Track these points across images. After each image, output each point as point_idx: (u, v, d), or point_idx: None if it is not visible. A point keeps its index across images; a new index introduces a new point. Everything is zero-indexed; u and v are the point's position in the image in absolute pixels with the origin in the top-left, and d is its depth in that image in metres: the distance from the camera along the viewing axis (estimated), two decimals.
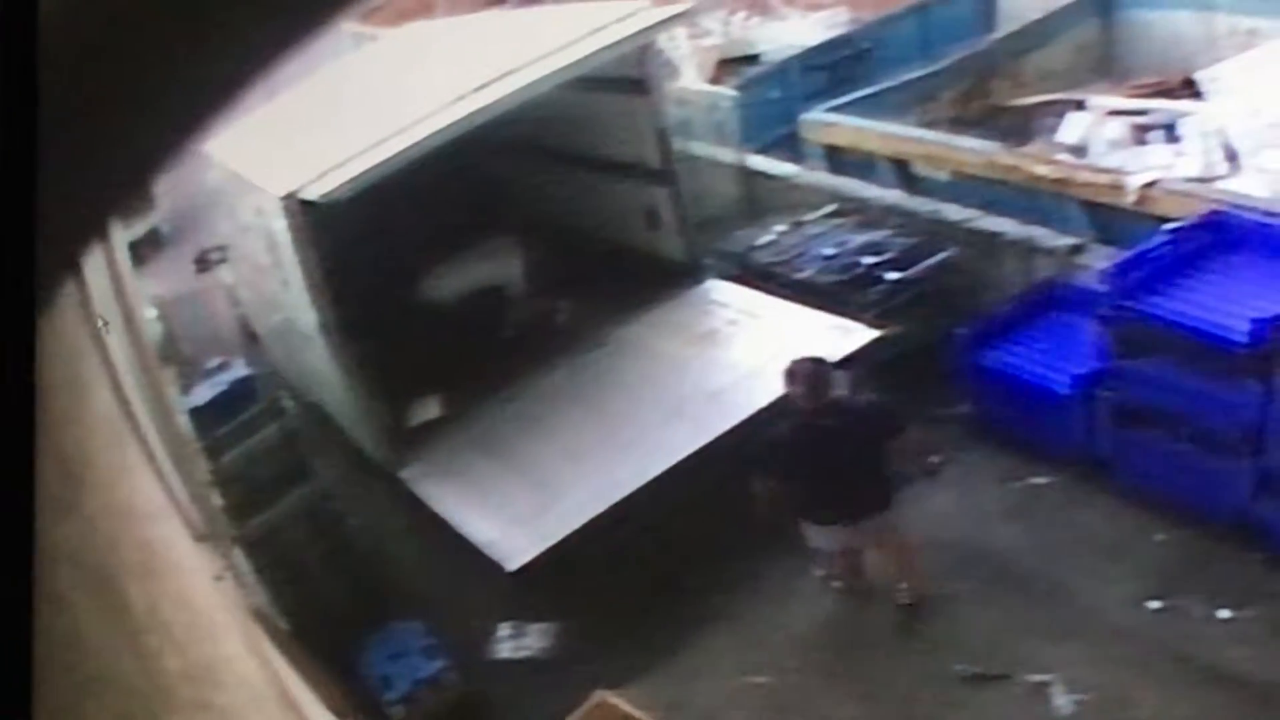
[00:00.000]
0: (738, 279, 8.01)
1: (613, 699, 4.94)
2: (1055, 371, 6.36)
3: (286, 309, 7.73)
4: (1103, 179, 7.26)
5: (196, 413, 6.10)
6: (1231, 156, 7.60)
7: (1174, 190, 6.84)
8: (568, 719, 4.96)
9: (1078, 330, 6.42)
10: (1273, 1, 9.07)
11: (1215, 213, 6.16)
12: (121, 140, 0.81)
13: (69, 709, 1.20)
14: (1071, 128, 8.72)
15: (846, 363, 6.42)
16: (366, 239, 8.23)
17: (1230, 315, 5.41)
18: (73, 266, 1.30)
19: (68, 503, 1.27)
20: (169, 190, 12.15)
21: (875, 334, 6.81)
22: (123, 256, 4.82)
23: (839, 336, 6.78)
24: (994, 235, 7.42)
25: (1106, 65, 10.30)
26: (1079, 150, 8.37)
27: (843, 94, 9.57)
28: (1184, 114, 8.19)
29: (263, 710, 2.13)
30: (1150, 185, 6.91)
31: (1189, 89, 8.72)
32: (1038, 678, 5.27)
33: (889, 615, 5.92)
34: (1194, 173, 7.49)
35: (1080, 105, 8.96)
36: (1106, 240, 6.94)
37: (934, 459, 6.45)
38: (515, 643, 6.42)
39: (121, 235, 6.17)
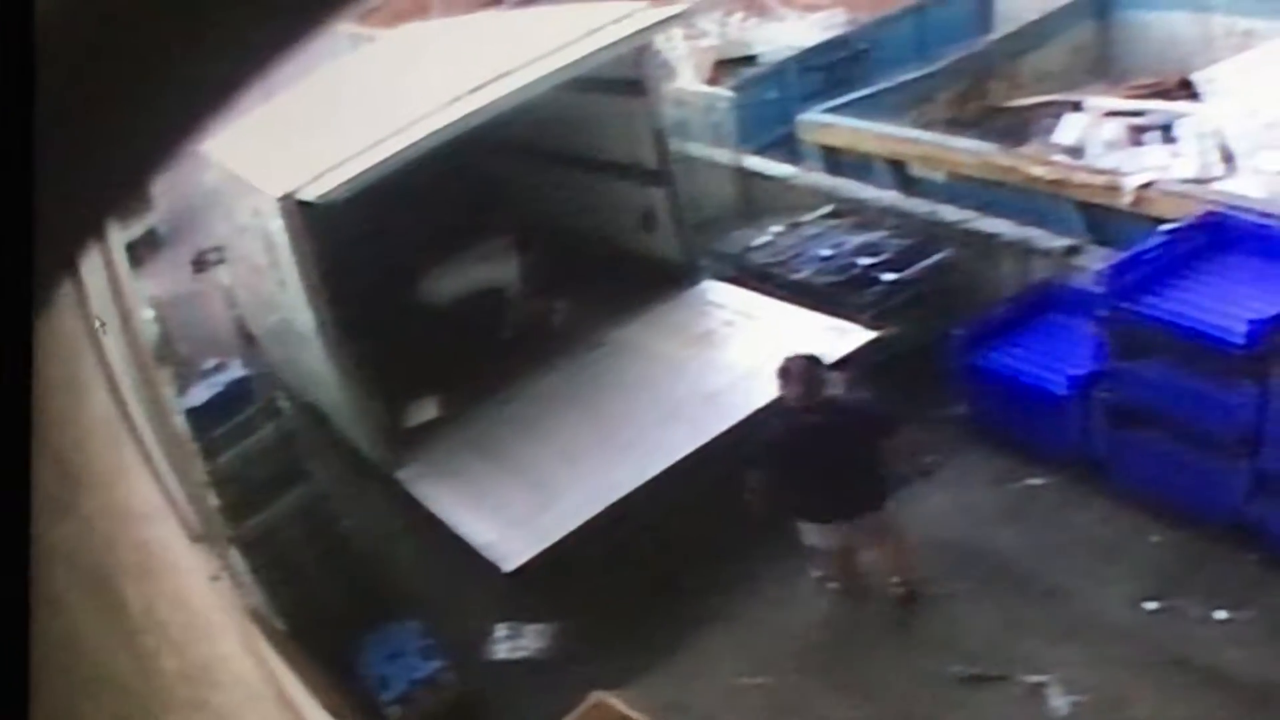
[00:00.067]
0: (734, 280, 8.02)
1: (610, 700, 4.94)
2: (1051, 372, 6.36)
3: (284, 310, 7.72)
4: (1099, 180, 7.27)
5: (193, 413, 6.10)
6: (1228, 157, 7.61)
7: (1170, 191, 6.84)
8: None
9: (1074, 331, 6.43)
10: (1269, 2, 9.08)
11: (1211, 214, 6.17)
12: (119, 140, 0.81)
13: (66, 710, 1.20)
14: (1068, 129, 8.73)
15: (843, 364, 6.42)
16: (363, 240, 8.22)
17: (1226, 316, 5.42)
18: (70, 267, 1.30)
19: (64, 503, 1.27)
20: (166, 191, 12.13)
21: (872, 335, 6.82)
22: (120, 257, 4.82)
23: (835, 337, 6.78)
24: (990, 236, 7.43)
25: (1103, 66, 10.31)
26: (1075, 151, 8.38)
27: (840, 95, 9.57)
28: (1180, 115, 8.20)
29: (259, 710, 2.13)
30: (1147, 186, 6.91)
31: (1185, 90, 8.73)
32: (1035, 678, 5.28)
33: (886, 616, 5.92)
34: (1190, 174, 7.50)
35: (1077, 106, 8.97)
36: (1103, 241, 6.94)
37: (928, 459, 6.46)
38: (512, 643, 6.42)
39: (119, 236, 6.18)
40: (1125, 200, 6.96)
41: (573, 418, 7.04)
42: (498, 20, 11.08)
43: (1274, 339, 5.26)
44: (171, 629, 1.59)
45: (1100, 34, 10.48)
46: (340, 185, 6.38)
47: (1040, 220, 7.34)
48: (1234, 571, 5.54)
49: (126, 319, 4.05)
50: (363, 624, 6.27)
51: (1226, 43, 9.24)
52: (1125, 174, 7.19)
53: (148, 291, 9.03)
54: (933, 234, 7.66)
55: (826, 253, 7.82)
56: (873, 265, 7.52)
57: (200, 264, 10.70)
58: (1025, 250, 7.23)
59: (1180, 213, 6.37)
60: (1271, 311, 5.31)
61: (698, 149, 9.78)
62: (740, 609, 6.20)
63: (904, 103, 9.52)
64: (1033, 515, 6.29)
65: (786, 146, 9.57)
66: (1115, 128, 8.42)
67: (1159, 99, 8.76)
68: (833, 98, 9.56)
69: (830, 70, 10.40)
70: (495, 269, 8.59)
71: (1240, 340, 5.30)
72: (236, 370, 6.80)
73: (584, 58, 6.90)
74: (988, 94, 10.05)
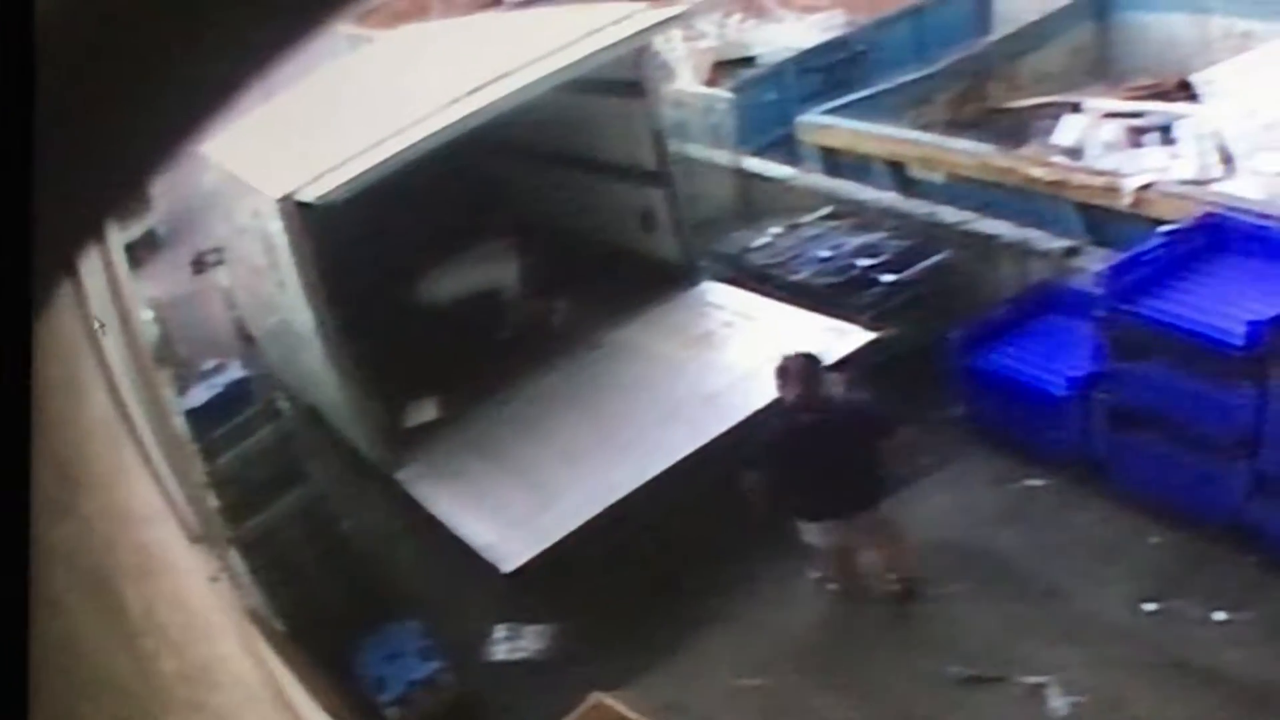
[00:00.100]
0: (733, 281, 8.02)
1: (609, 700, 4.94)
2: (1050, 374, 6.36)
3: (283, 311, 7.72)
4: (1098, 181, 7.27)
5: (193, 414, 6.10)
6: (1227, 159, 7.61)
7: (1169, 192, 6.85)
8: None
9: (1073, 332, 6.43)
10: (1268, 4, 9.08)
11: (1210, 215, 6.17)
12: (118, 141, 0.81)
13: (66, 711, 1.20)
14: (1067, 130, 8.73)
15: (842, 364, 6.42)
16: (363, 241, 8.22)
17: (1225, 317, 5.42)
18: (69, 268, 1.30)
19: (64, 505, 1.27)
20: (165, 192, 12.14)
21: (871, 336, 6.82)
22: (119, 258, 4.82)
23: (834, 338, 6.78)
24: (989, 238, 7.43)
25: (1102, 68, 10.31)
26: (1074, 153, 8.38)
27: (838, 96, 9.58)
28: (1179, 116, 8.20)
29: (258, 711, 2.13)
30: (1145, 187, 6.92)
31: (1184, 91, 8.74)
32: (1034, 679, 5.27)
33: (885, 616, 5.92)
34: (1189, 175, 7.50)
35: (1076, 108, 8.97)
36: (1102, 242, 6.94)
37: (926, 459, 6.46)
38: (511, 644, 6.42)
39: (118, 237, 6.17)
40: (1124, 201, 6.96)
41: (572, 418, 7.04)
42: (497, 21, 11.09)
43: (1273, 340, 5.25)
44: (171, 630, 1.59)
45: (1099, 35, 10.48)
46: (339, 186, 6.38)
47: (1039, 221, 7.34)
48: (1233, 573, 5.54)
49: (126, 320, 4.05)
50: (362, 625, 6.27)
51: (1225, 44, 9.24)
52: (1124, 175, 7.19)
53: (147, 292, 9.03)
54: (932, 235, 7.66)
55: (825, 254, 7.82)
56: (872, 266, 7.52)
57: (199, 265, 10.70)
58: (1024, 251, 7.23)
59: (1179, 214, 6.37)
60: (1270, 313, 5.30)
61: (697, 150, 9.78)
62: (740, 609, 6.19)
63: (903, 104, 9.53)
64: (1032, 516, 6.29)
65: (785, 148, 9.57)
66: (1114, 129, 8.42)
67: (1158, 100, 8.76)
68: (831, 99, 9.57)
69: (829, 72, 10.41)
70: (495, 270, 8.59)
71: (1239, 341, 5.29)
72: (236, 371, 6.79)
73: (583, 59, 6.90)
74: (987, 95, 10.05)
